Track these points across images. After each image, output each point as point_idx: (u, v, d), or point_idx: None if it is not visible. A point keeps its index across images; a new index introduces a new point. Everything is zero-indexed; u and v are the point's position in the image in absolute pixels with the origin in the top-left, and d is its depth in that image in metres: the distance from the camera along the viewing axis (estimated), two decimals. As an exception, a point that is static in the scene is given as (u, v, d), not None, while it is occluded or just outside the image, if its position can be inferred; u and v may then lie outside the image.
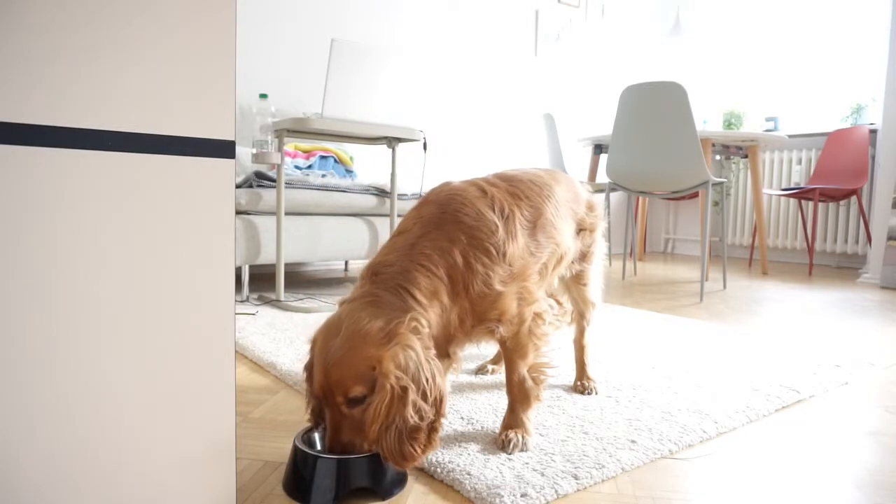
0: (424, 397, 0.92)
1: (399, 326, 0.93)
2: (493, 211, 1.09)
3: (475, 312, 1.04)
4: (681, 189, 3.00)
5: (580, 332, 1.45)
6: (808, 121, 4.56)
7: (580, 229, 1.34)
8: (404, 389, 0.90)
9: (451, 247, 1.03)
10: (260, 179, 2.55)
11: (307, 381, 1.00)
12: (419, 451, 0.91)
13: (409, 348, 0.92)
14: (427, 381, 0.92)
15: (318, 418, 1.00)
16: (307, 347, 1.00)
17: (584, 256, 1.37)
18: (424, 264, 1.00)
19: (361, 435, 0.91)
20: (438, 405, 0.93)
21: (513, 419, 1.11)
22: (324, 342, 0.94)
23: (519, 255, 1.09)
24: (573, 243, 1.30)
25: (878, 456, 1.11)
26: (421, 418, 0.91)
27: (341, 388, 0.90)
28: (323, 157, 3.01)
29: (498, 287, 1.04)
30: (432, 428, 0.93)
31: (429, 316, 0.99)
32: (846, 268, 4.28)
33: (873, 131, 4.08)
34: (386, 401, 0.88)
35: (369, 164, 3.48)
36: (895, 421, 1.29)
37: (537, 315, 1.10)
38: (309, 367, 0.99)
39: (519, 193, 1.16)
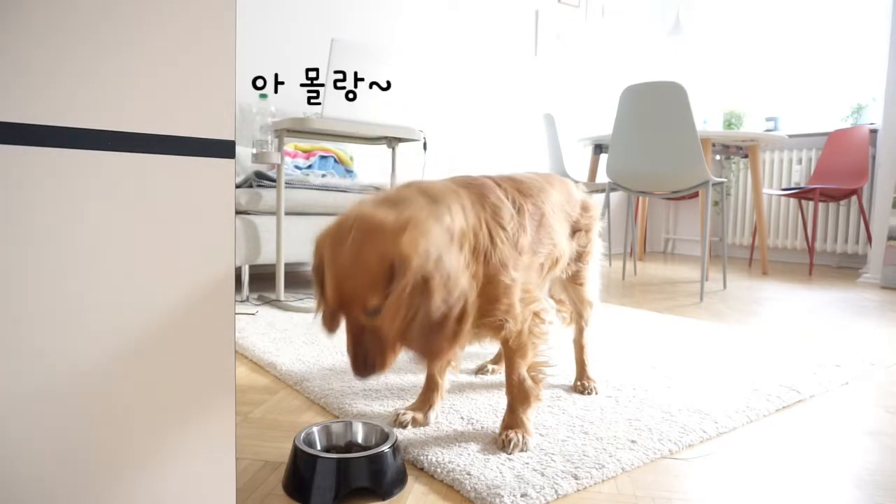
0: (448, 287, 0.82)
1: (419, 212, 0.84)
2: (508, 200, 1.09)
3: (486, 295, 0.99)
4: (681, 189, 3.00)
5: (579, 332, 1.45)
6: (808, 121, 4.56)
7: (575, 230, 1.34)
8: (426, 279, 0.80)
9: (479, 204, 1.00)
10: (260, 179, 2.55)
11: (317, 286, 0.90)
12: (447, 345, 0.83)
13: (428, 234, 0.83)
14: (450, 276, 0.83)
15: (330, 325, 0.91)
16: (312, 250, 0.90)
17: (580, 256, 1.37)
18: (454, 191, 0.97)
19: (383, 340, 0.83)
20: (465, 300, 0.85)
21: (513, 419, 1.11)
22: (333, 246, 0.84)
23: (528, 248, 1.09)
24: (568, 246, 1.30)
25: (878, 456, 1.11)
26: (448, 309, 0.82)
27: (358, 300, 0.82)
28: (323, 157, 3.01)
29: (512, 272, 1.01)
30: (460, 319, 0.84)
31: (455, 218, 0.90)
32: (846, 268, 4.28)
33: (874, 131, 4.08)
34: (408, 290, 0.79)
35: (369, 164, 3.48)
36: (895, 421, 1.29)
37: (536, 314, 1.10)
38: (318, 271, 0.89)
39: (525, 191, 1.16)
